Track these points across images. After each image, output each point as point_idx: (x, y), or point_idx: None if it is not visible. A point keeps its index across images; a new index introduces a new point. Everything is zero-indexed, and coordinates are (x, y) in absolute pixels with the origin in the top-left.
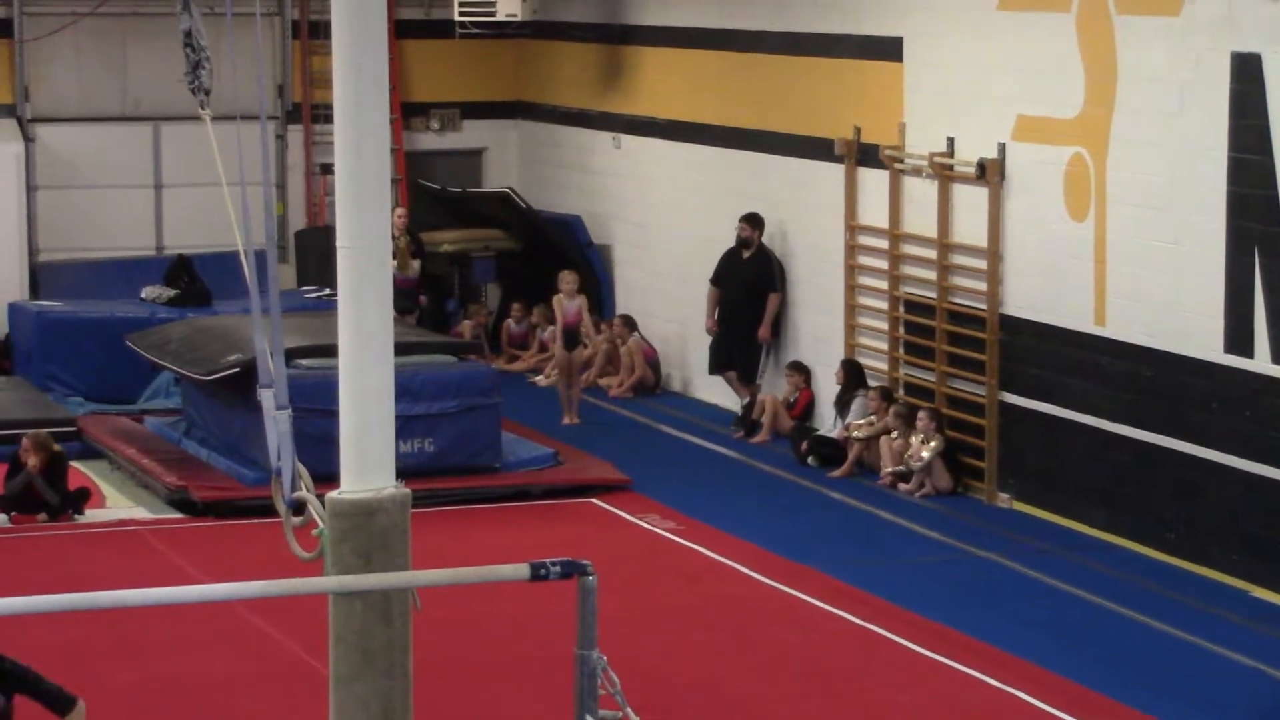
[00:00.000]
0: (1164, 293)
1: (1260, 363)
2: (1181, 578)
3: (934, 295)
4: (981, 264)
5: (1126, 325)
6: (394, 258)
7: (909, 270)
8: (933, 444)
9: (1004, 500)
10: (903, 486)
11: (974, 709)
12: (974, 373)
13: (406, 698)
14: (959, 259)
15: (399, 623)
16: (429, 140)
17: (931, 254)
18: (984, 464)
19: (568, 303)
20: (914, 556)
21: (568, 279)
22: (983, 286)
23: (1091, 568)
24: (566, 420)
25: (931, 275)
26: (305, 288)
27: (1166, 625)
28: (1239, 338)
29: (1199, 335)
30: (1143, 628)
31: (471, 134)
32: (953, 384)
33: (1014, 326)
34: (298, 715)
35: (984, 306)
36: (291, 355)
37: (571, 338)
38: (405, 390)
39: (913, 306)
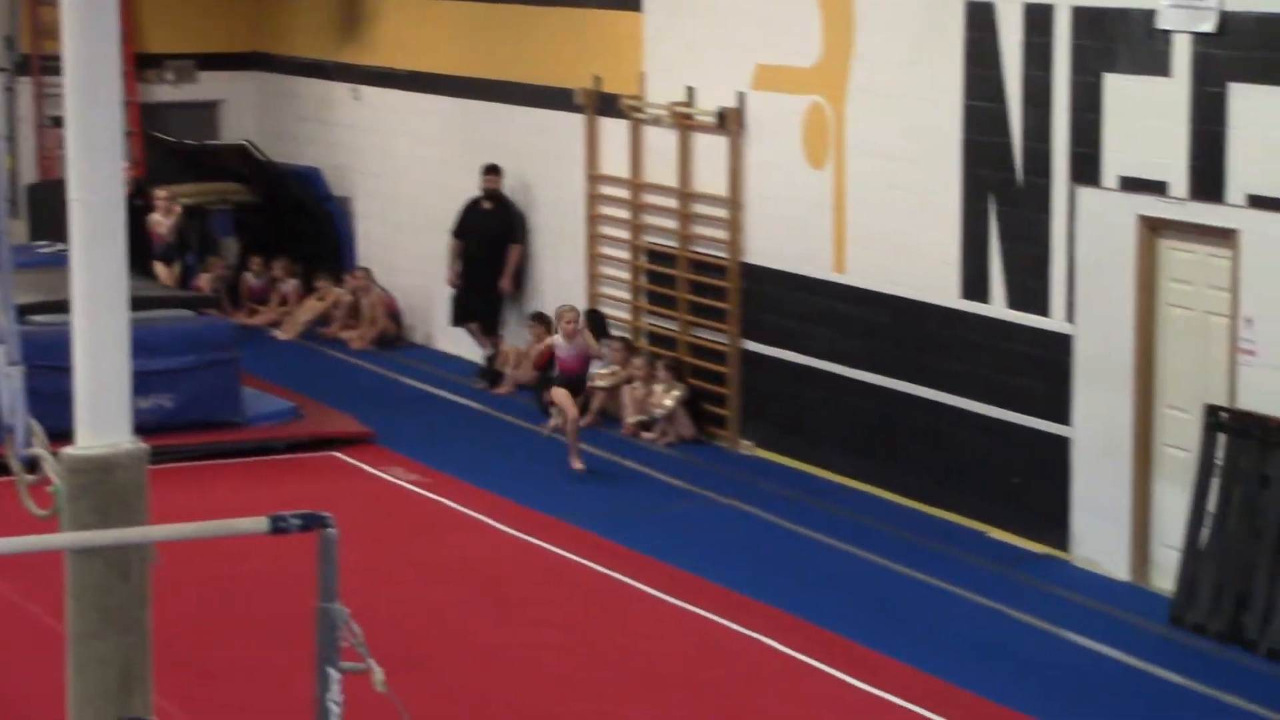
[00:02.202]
0: (902, 240)
1: (996, 308)
2: (922, 521)
3: (676, 244)
4: (723, 213)
5: (865, 272)
6: None
7: (651, 220)
8: (675, 392)
9: (747, 447)
10: (646, 435)
11: (720, 654)
12: (716, 321)
13: (145, 654)
14: (700, 208)
15: (137, 579)
16: (164, 92)
17: (673, 203)
18: (727, 411)
19: (566, 344)
20: (658, 505)
21: (567, 316)
22: (724, 235)
23: (833, 512)
24: (576, 466)
25: (673, 224)
26: (38, 242)
27: (907, 568)
28: (975, 284)
29: (936, 282)
30: (884, 571)
31: (207, 86)
32: (695, 332)
33: (755, 275)
34: (36, 675)
35: (725, 255)
36: (24, 311)
37: (575, 384)
38: (142, 345)
39: (655, 256)
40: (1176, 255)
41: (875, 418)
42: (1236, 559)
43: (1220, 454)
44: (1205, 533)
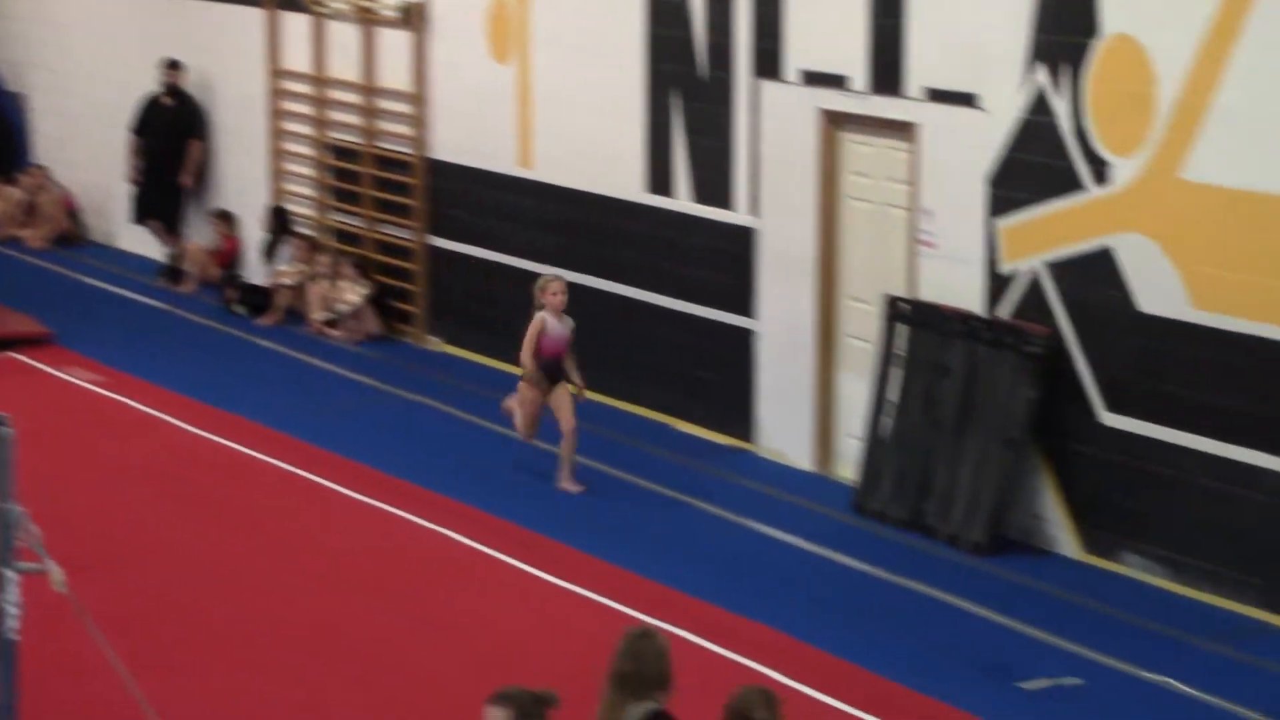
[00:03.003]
0: (587, 135)
1: (681, 202)
2: (610, 415)
3: (361, 141)
4: (408, 109)
5: (551, 168)
6: None
7: (335, 116)
8: (361, 289)
9: (435, 343)
10: (332, 332)
11: (405, 548)
12: (402, 217)
13: None
14: (385, 104)
15: None
16: None
17: (358, 99)
18: (414, 308)
19: (556, 325)
20: (346, 402)
21: (553, 288)
22: (410, 131)
23: None
24: (567, 486)
25: (358, 121)
26: None
27: (596, 462)
28: (660, 178)
29: (622, 176)
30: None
31: None
32: (381, 229)
33: (441, 171)
34: None
35: (411, 151)
36: None
37: (554, 370)
38: None
39: (340, 152)
40: (857, 149)
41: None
42: (917, 448)
43: (900, 344)
44: (887, 422)
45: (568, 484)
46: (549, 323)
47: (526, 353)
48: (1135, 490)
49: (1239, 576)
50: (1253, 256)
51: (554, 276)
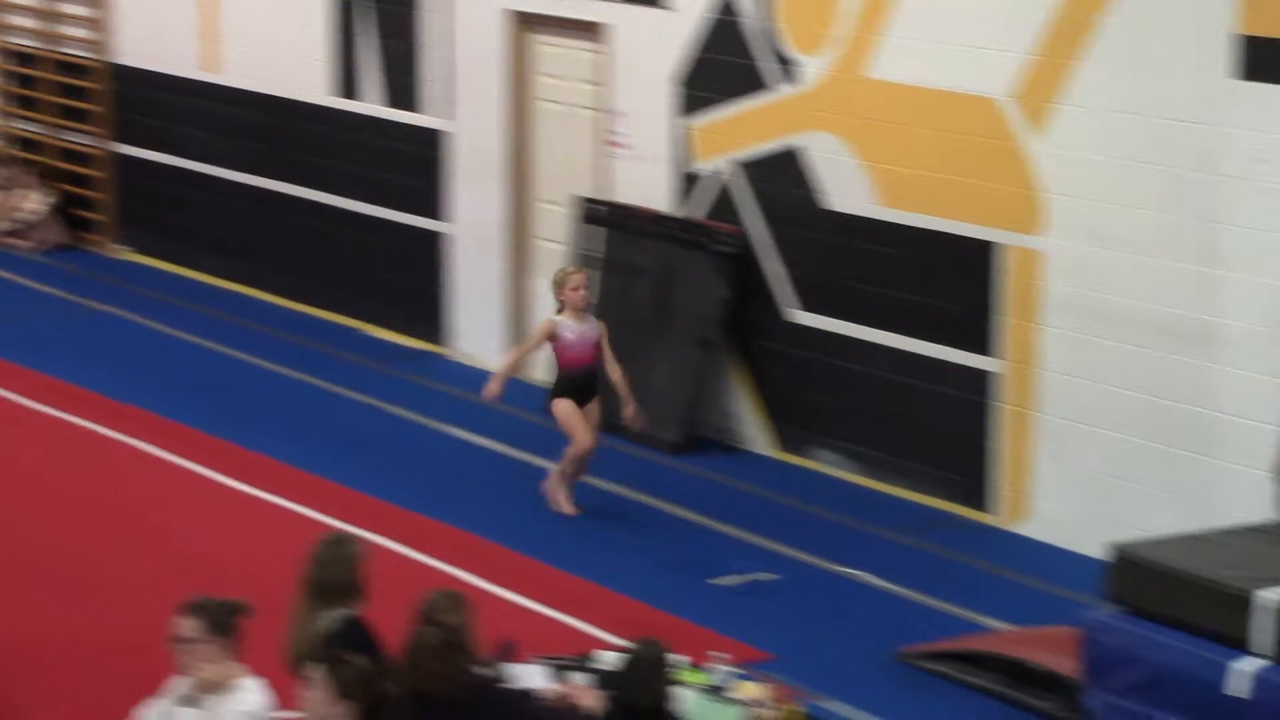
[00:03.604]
0: (272, 37)
1: (371, 105)
2: (301, 321)
3: (40, 45)
4: (89, 12)
5: (237, 71)
6: None
7: (11, 19)
8: (44, 198)
9: (122, 252)
10: (16, 242)
11: (97, 458)
12: (85, 124)
13: None
14: (64, 6)
15: None
16: None
17: (35, 2)
18: (100, 216)
19: (576, 328)
20: (31, 313)
21: (573, 281)
22: (91, 35)
23: (212, 315)
24: (567, 508)
25: (36, 24)
26: None
27: (286, 368)
28: (346, 81)
29: (308, 80)
30: (264, 372)
31: None
32: (64, 136)
33: (125, 76)
34: None
35: (93, 55)
36: None
37: (590, 386)
38: None
39: (18, 57)
40: (546, 50)
41: (253, 219)
42: (611, 348)
43: (593, 246)
44: None
45: (563, 503)
46: (564, 326)
47: (510, 356)
48: (825, 387)
49: (927, 470)
50: (936, 153)
51: (574, 268)
